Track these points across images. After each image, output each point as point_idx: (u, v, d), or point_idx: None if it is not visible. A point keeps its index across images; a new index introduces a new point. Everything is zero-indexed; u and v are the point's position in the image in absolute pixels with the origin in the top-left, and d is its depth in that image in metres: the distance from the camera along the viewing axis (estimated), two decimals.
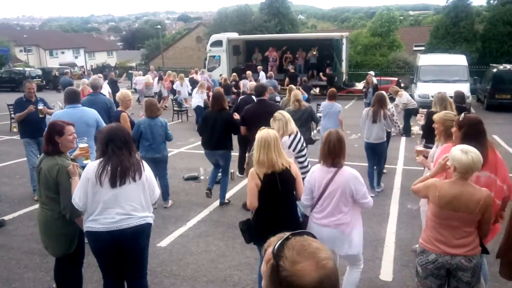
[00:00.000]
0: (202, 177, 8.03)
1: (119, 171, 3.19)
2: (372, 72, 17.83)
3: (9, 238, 5.46)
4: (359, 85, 21.45)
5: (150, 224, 3.41)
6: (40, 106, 6.73)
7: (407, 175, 8.22)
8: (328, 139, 3.50)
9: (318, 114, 8.46)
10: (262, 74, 19.14)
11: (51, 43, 58.10)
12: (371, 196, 6.88)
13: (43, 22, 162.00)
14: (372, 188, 7.14)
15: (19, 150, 10.37)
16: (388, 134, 7.56)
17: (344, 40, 21.51)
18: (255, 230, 3.65)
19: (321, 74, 21.23)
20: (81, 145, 3.98)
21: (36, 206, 6.10)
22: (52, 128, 3.56)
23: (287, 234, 1.28)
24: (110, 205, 3.20)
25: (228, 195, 7.00)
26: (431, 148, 4.78)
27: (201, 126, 6.61)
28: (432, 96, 15.90)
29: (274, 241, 1.29)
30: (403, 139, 11.75)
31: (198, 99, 13.04)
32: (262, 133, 3.50)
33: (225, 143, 6.36)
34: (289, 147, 4.70)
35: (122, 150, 3.25)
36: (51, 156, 3.52)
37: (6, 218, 6.08)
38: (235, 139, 7.80)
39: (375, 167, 7.28)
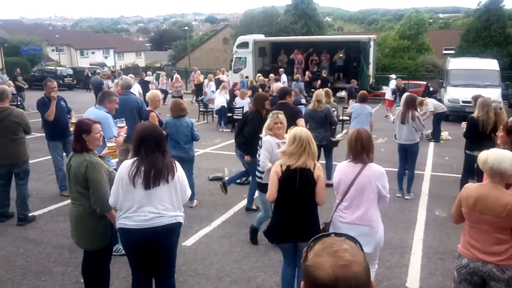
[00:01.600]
0: (226, 178, 8.06)
1: (152, 174, 3.23)
2: (393, 76, 17.66)
3: (39, 233, 5.62)
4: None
5: (181, 223, 3.45)
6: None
7: (435, 181, 8.06)
8: (359, 136, 3.57)
9: (345, 117, 8.43)
10: (283, 76, 19.05)
11: (82, 43, 59.55)
12: (398, 196, 6.90)
13: (75, 22, 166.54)
14: (400, 189, 7.10)
15: None
16: None
17: (371, 43, 21.24)
18: (273, 229, 3.68)
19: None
20: (109, 144, 4.07)
21: (66, 202, 6.30)
22: (80, 127, 3.65)
23: (331, 232, 1.38)
24: (143, 204, 3.26)
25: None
26: (474, 157, 4.59)
27: (239, 128, 6.57)
28: (462, 101, 15.55)
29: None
30: (432, 144, 11.53)
31: (221, 99, 13.11)
32: (295, 129, 3.62)
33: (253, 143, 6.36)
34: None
35: (155, 152, 3.29)
36: (79, 153, 3.61)
37: (37, 213, 6.26)
38: None
39: (406, 171, 7.26)
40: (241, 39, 23.92)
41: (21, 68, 24.98)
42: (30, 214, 6.08)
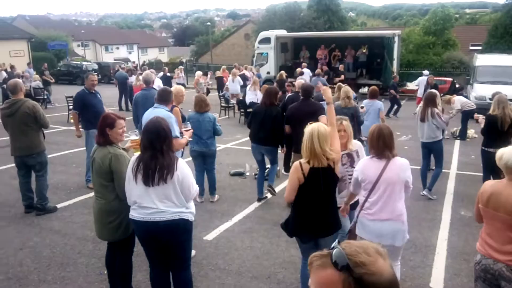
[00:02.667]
0: (247, 173, 8.08)
1: (150, 172, 3.22)
2: (426, 72, 17.22)
3: (64, 225, 5.75)
4: (411, 85, 20.73)
5: (186, 219, 3.38)
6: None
7: (461, 180, 7.88)
8: (382, 133, 3.51)
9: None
10: (306, 71, 18.90)
11: (107, 38, 60.43)
12: (422, 195, 6.79)
13: (100, 18, 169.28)
14: (424, 187, 7.04)
15: (76, 140, 10.84)
16: None
17: (396, 38, 20.84)
18: (295, 228, 3.64)
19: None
20: (132, 138, 4.11)
21: (91, 194, 6.42)
22: (104, 121, 3.69)
23: (323, 251, 1.23)
24: (144, 199, 3.29)
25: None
26: (491, 153, 4.53)
27: (250, 120, 6.67)
28: (489, 98, 15.20)
29: (317, 256, 1.23)
30: (457, 142, 11.27)
31: (251, 95, 13.11)
32: (311, 125, 3.50)
33: (272, 139, 6.39)
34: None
35: (157, 150, 3.24)
36: (103, 146, 3.66)
37: (62, 205, 6.41)
38: None
39: (432, 169, 7.19)
40: (263, 34, 23.85)
41: (48, 63, 25.52)
42: (53, 205, 6.23)
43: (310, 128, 3.45)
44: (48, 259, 4.79)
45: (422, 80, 16.07)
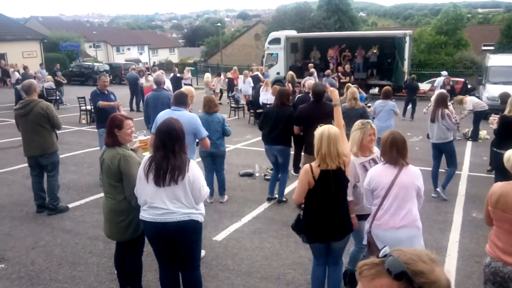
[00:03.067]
0: (257, 174, 8.09)
1: (162, 173, 3.23)
2: (444, 72, 16.99)
3: (76, 224, 5.81)
4: (422, 86, 20.54)
5: (196, 221, 3.39)
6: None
7: (472, 182, 7.80)
8: (395, 140, 3.43)
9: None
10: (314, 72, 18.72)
11: (118, 39, 60.95)
12: (433, 196, 6.72)
13: (111, 19, 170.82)
14: (435, 189, 6.97)
15: (88, 140, 11.04)
16: None
17: (407, 38, 20.69)
18: (307, 230, 3.63)
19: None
20: (140, 138, 4.13)
21: (102, 194, 6.46)
22: (112, 122, 3.72)
23: (374, 259, 1.18)
24: (155, 200, 3.29)
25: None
26: (501, 155, 4.47)
27: (261, 121, 6.68)
28: (504, 100, 14.93)
29: (368, 264, 1.17)
30: (469, 143, 11.15)
31: (264, 96, 13.13)
32: (322, 127, 3.48)
33: (284, 139, 6.39)
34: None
35: (169, 151, 3.25)
36: (112, 147, 3.69)
37: (73, 204, 6.48)
38: None
39: (445, 169, 7.15)
40: (273, 35, 23.86)
41: (60, 63, 25.82)
42: (65, 205, 6.31)
43: (321, 130, 3.44)
44: (60, 258, 4.85)
45: (440, 81, 15.87)
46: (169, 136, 3.27)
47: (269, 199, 6.69)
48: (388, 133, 3.54)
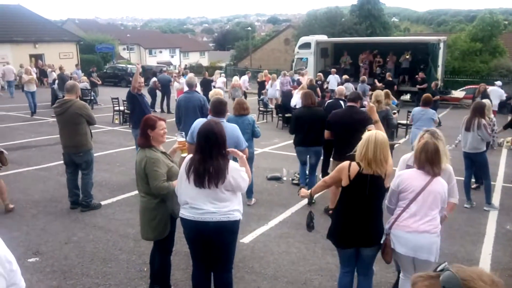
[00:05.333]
0: (285, 178, 8.08)
1: (201, 175, 3.27)
2: (499, 82, 16.33)
3: (107, 221, 5.96)
4: (456, 93, 20.05)
5: (236, 221, 3.45)
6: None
7: (507, 193, 7.56)
8: (426, 148, 3.44)
9: (402, 122, 8.19)
10: (335, 77, 18.49)
11: (151, 42, 62.26)
12: (465, 207, 6.56)
13: (144, 22, 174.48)
14: (468, 200, 6.76)
15: (120, 140, 11.32)
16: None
17: (441, 45, 20.28)
18: (336, 233, 3.61)
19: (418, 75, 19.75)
20: (178, 139, 4.22)
21: (133, 193, 6.63)
22: (146, 123, 3.82)
23: (430, 272, 1.15)
24: (196, 201, 3.35)
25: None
26: None
27: (294, 125, 6.69)
28: None
29: (423, 277, 1.14)
30: (504, 153, 10.80)
31: (297, 100, 13.16)
32: (370, 132, 3.48)
33: (320, 139, 6.50)
34: None
35: (210, 153, 3.29)
36: (142, 149, 3.80)
37: (105, 202, 6.65)
38: None
39: (480, 182, 7.00)
40: (303, 39, 23.82)
41: (95, 65, 26.55)
42: (97, 202, 6.48)
43: (369, 133, 3.44)
44: (91, 254, 4.98)
45: (494, 90, 14.74)
46: (207, 139, 3.31)
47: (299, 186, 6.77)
48: (423, 142, 3.56)
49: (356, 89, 14.35)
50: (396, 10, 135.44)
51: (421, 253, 3.37)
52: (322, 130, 6.40)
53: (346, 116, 6.08)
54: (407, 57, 21.15)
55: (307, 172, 7.01)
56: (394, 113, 7.60)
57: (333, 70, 19.33)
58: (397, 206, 3.54)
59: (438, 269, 1.13)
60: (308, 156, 6.71)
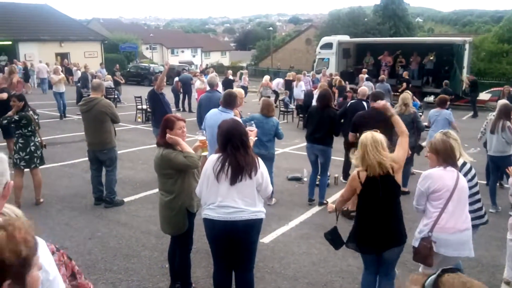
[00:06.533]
0: (305, 179, 8.05)
1: (236, 171, 3.33)
2: None
3: (130, 218, 6.06)
4: (482, 95, 19.59)
5: (262, 219, 3.52)
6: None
7: None
8: (444, 145, 3.51)
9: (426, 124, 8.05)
10: (364, 77, 18.31)
11: (173, 42, 62.86)
12: (491, 212, 6.42)
13: (167, 22, 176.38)
14: (493, 204, 6.62)
15: (143, 138, 11.47)
16: None
17: (467, 46, 19.86)
18: (357, 238, 3.59)
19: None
20: (200, 138, 4.25)
21: (155, 190, 6.70)
22: (166, 123, 3.89)
23: (434, 271, 1.20)
24: (226, 199, 3.38)
25: (331, 199, 6.94)
26: None
27: (307, 120, 6.87)
28: None
29: (419, 279, 1.20)
30: None
31: None
32: (365, 134, 3.47)
33: (327, 140, 6.52)
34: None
35: (239, 149, 3.37)
36: (160, 147, 3.85)
37: (128, 199, 6.76)
38: (341, 143, 7.75)
39: (504, 185, 6.85)
40: (325, 39, 23.69)
41: (119, 64, 26.97)
42: (120, 199, 6.59)
43: (361, 139, 3.45)
44: (114, 250, 5.07)
45: None
46: (240, 137, 3.40)
47: (310, 201, 6.76)
48: (441, 136, 3.65)
49: (374, 89, 14.19)
50: (420, 10, 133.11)
51: (463, 251, 3.45)
52: (330, 131, 6.46)
53: (369, 117, 6.02)
54: (431, 58, 20.77)
55: (318, 176, 6.95)
56: (421, 115, 7.48)
57: (364, 70, 19.11)
58: (432, 207, 3.49)
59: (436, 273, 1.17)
60: (316, 155, 6.71)
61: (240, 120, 5.31)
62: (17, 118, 6.08)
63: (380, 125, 4.74)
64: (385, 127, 4.33)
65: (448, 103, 8.29)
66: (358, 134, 6.12)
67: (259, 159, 3.50)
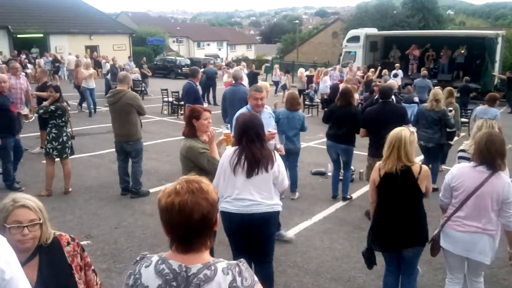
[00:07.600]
0: (329, 174, 7.97)
1: (252, 164, 3.33)
2: None
3: (155, 208, 5.98)
4: None
5: (278, 212, 3.53)
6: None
7: None
8: (492, 139, 3.23)
9: (464, 120, 7.81)
10: (400, 72, 18.02)
11: (199, 35, 63.24)
12: None
13: (194, 16, 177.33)
14: None
15: (168, 130, 11.62)
16: None
17: (499, 39, 19.20)
18: (375, 236, 3.55)
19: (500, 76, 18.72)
20: (224, 131, 4.27)
21: None
22: (192, 113, 3.92)
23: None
24: (242, 192, 3.39)
25: (355, 195, 6.89)
26: None
27: (327, 116, 6.77)
28: None
29: None
30: None
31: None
32: (395, 130, 3.41)
33: (350, 138, 6.41)
34: None
35: (255, 142, 3.36)
36: (187, 138, 3.88)
37: (154, 190, 6.85)
38: (366, 138, 7.62)
39: None
40: (352, 33, 23.34)
41: (146, 57, 27.34)
42: (146, 190, 6.70)
43: (393, 132, 3.39)
44: (140, 239, 5.17)
45: None
46: (256, 130, 3.39)
47: (333, 197, 6.72)
48: (487, 132, 3.38)
49: (413, 85, 13.85)
50: (451, 2, 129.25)
51: (473, 253, 3.28)
52: (353, 129, 6.31)
53: (380, 113, 5.92)
54: (462, 51, 20.19)
55: (340, 172, 6.87)
56: (450, 111, 7.26)
57: (397, 65, 18.71)
58: (452, 204, 3.40)
59: None
60: (338, 154, 6.60)
61: (272, 114, 5.35)
62: (53, 108, 6.26)
63: (389, 120, 4.66)
64: (395, 123, 4.21)
65: (498, 102, 7.96)
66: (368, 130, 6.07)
67: (276, 152, 3.50)
